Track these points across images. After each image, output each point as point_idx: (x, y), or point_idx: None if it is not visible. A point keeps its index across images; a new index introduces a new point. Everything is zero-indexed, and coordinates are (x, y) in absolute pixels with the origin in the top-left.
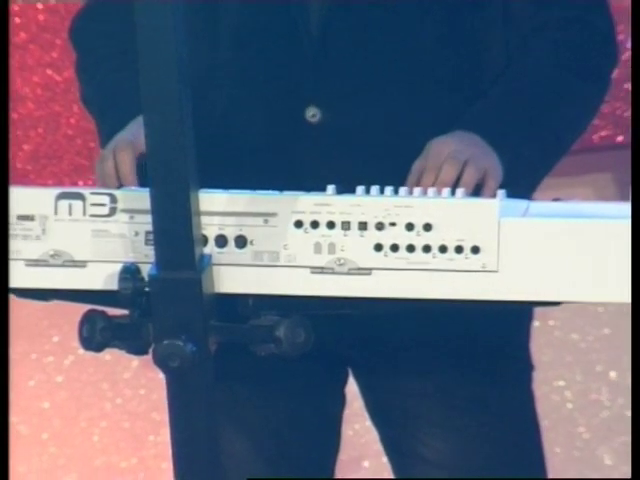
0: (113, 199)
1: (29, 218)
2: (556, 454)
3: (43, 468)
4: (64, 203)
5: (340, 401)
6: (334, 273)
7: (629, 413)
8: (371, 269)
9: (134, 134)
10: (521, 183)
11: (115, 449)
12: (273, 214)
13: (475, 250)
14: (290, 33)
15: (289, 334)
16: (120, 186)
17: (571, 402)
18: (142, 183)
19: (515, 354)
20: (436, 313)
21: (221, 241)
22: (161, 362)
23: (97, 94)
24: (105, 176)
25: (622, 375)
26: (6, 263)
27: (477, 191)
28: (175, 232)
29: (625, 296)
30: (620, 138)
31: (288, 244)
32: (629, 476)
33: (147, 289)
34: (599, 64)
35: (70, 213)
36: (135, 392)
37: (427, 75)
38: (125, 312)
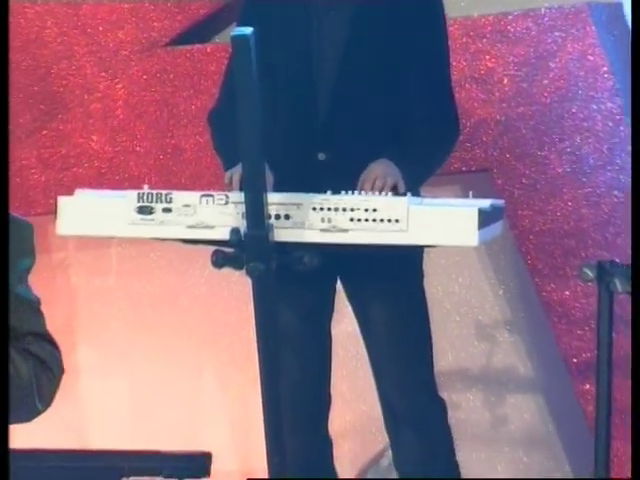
0: (227, 197)
1: (188, 205)
2: (437, 329)
3: (185, 335)
4: (204, 199)
5: (334, 291)
6: (330, 231)
7: (486, 306)
8: (348, 229)
9: None
10: (413, 188)
11: (225, 315)
12: (301, 204)
13: (397, 221)
14: (307, 111)
15: (310, 260)
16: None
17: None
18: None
19: (416, 268)
20: (378, 252)
21: (277, 216)
22: (249, 273)
23: (220, 148)
24: (233, 186)
25: (476, 284)
26: (6, 264)
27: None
28: (256, 212)
29: (463, 240)
30: (464, 168)
31: (309, 218)
32: (485, 342)
33: (243, 239)
34: (450, 137)
35: (207, 203)
36: (237, 286)
37: (386, 132)
38: (232, 250)
